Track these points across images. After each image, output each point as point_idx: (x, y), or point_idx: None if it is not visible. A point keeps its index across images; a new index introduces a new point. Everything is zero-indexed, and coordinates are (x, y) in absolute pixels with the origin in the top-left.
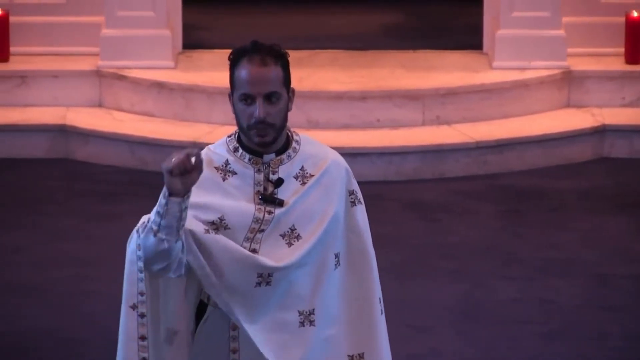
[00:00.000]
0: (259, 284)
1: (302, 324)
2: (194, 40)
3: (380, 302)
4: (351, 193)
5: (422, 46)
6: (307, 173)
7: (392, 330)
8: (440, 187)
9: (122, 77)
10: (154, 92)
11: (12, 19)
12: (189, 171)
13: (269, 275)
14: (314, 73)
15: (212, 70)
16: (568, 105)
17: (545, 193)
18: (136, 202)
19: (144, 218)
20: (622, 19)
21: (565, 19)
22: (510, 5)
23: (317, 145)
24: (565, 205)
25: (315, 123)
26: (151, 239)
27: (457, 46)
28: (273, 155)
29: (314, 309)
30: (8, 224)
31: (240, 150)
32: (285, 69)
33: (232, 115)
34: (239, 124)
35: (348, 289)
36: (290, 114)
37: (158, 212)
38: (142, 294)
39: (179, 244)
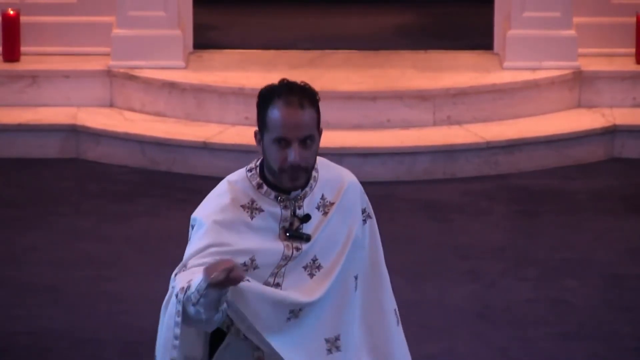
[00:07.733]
0: (289, 318)
1: (329, 351)
2: (205, 40)
3: (395, 313)
4: (364, 211)
5: (433, 46)
6: (327, 202)
7: (406, 332)
8: (451, 187)
9: (133, 77)
10: (165, 92)
11: (23, 18)
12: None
13: (299, 310)
14: (325, 73)
15: (224, 70)
16: (579, 105)
17: (557, 194)
18: (148, 202)
19: (183, 281)
20: (633, 20)
21: (576, 19)
22: (522, 6)
23: (332, 168)
24: (578, 206)
25: (326, 123)
26: (191, 308)
27: (468, 46)
28: (299, 190)
29: (339, 335)
30: (23, 224)
31: (265, 187)
32: (318, 110)
33: (244, 115)
34: (268, 164)
35: (366, 307)
36: None
37: (198, 291)
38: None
39: (219, 314)
